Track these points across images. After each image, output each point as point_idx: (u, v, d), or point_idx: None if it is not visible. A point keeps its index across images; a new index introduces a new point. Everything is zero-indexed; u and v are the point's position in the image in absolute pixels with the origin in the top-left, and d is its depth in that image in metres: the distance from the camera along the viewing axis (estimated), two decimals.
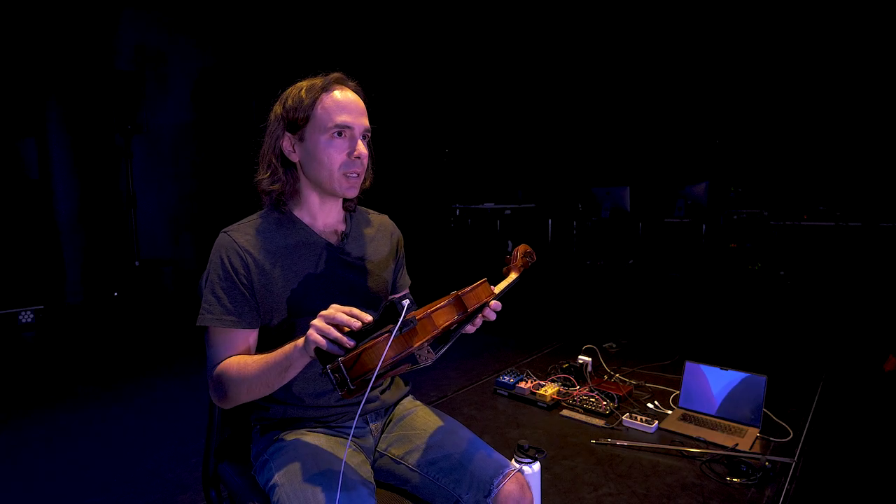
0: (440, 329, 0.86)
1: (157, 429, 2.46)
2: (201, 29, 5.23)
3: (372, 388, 1.13)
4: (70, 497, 1.90)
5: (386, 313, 0.82)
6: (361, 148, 1.07)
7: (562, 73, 7.16)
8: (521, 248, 1.28)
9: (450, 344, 0.95)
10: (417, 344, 0.81)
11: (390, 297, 0.82)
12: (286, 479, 0.97)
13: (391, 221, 1.32)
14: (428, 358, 0.87)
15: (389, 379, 1.21)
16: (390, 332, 0.78)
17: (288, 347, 0.91)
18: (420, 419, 1.17)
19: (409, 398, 1.27)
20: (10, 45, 4.12)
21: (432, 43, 6.98)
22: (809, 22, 5.68)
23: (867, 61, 5.49)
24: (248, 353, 1.05)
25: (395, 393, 1.23)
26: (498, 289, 1.08)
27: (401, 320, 0.78)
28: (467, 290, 0.95)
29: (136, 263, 4.60)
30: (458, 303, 0.92)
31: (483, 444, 1.09)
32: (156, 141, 5.00)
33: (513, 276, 1.19)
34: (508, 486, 1.00)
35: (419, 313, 0.84)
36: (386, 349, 0.77)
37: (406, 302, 0.79)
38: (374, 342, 0.79)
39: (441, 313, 0.88)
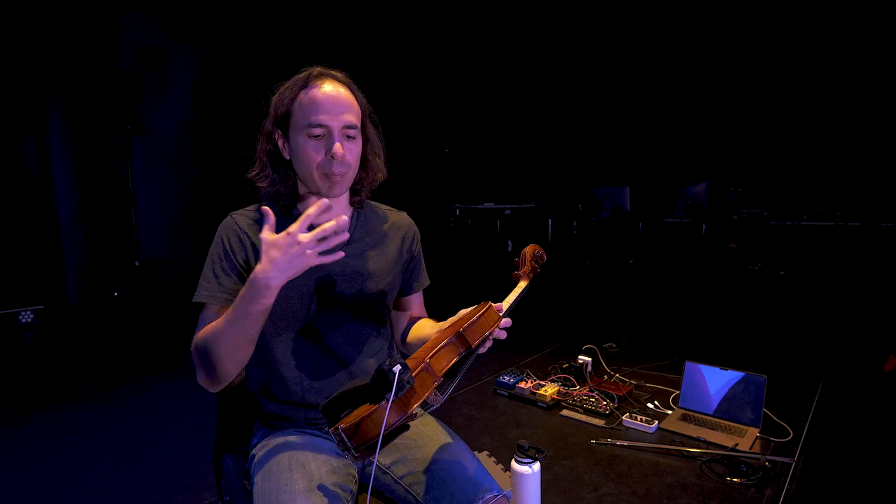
0: (442, 374, 0.82)
1: (157, 429, 2.45)
2: (201, 28, 5.23)
3: None
4: (70, 497, 1.90)
5: (378, 379, 0.78)
6: (338, 148, 1.02)
7: (561, 73, 7.16)
8: (530, 250, 1.15)
9: (458, 378, 0.91)
10: (417, 403, 0.77)
11: (380, 365, 0.77)
12: (262, 477, 0.98)
13: (408, 219, 1.27)
14: (437, 400, 0.84)
15: None
16: (387, 398, 0.75)
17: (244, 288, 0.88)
18: (413, 430, 1.13)
19: None
20: (10, 45, 4.12)
21: (432, 43, 6.98)
22: (809, 22, 5.68)
23: (867, 61, 5.49)
24: None
25: None
26: (505, 304, 1.02)
27: (394, 389, 0.75)
28: (469, 324, 0.88)
29: (136, 263, 4.60)
30: (461, 340, 0.87)
31: (473, 462, 1.04)
32: (156, 141, 5.01)
33: (521, 284, 1.10)
34: None
35: (417, 364, 0.80)
36: (385, 417, 0.75)
37: (397, 368, 0.75)
38: (371, 410, 0.75)
39: (441, 356, 0.83)
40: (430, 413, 1.20)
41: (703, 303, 4.95)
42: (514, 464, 1.37)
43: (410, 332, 1.23)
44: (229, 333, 0.91)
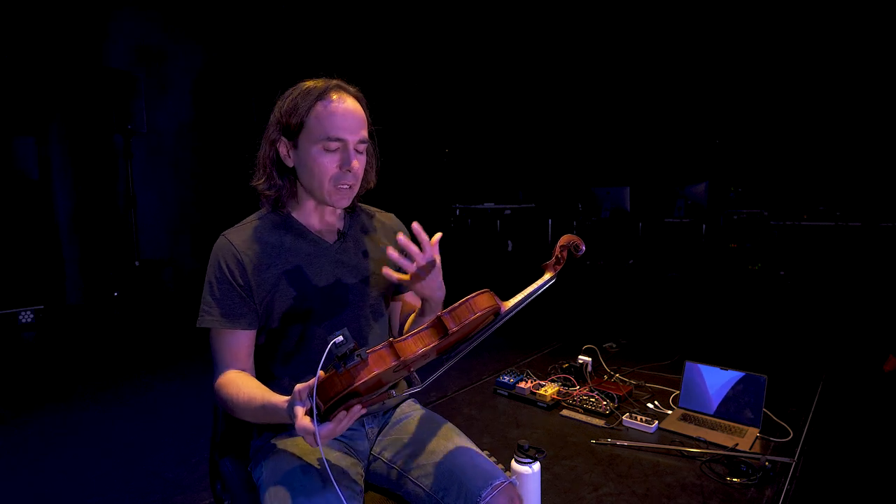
0: (409, 356, 0.81)
1: (157, 429, 2.45)
2: (201, 28, 5.23)
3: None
4: (70, 497, 1.90)
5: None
6: (354, 162, 1.05)
7: (561, 73, 7.16)
8: (561, 240, 1.07)
9: (450, 362, 0.93)
10: (363, 379, 0.75)
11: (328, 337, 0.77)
12: (272, 478, 0.98)
13: (397, 220, 1.30)
14: (416, 381, 0.88)
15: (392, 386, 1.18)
16: (336, 366, 0.76)
17: (277, 402, 0.90)
18: (416, 424, 1.15)
19: (410, 402, 1.26)
20: (9, 46, 4.12)
21: (432, 43, 6.98)
22: (809, 22, 5.68)
23: (867, 61, 5.49)
24: (247, 355, 1.07)
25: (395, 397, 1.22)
26: (511, 301, 0.98)
27: (325, 355, 0.75)
28: (453, 308, 0.86)
29: (136, 263, 4.60)
30: (438, 325, 0.86)
31: (477, 453, 1.07)
32: (156, 141, 5.00)
33: (546, 276, 1.04)
34: (497, 499, 0.97)
35: (382, 343, 0.80)
36: (315, 382, 0.77)
37: (339, 339, 0.75)
38: (323, 377, 0.77)
39: (415, 339, 0.83)
40: (430, 409, 1.23)
41: (703, 303, 4.95)
42: (514, 464, 1.37)
43: (406, 326, 1.24)
44: (252, 415, 0.97)
